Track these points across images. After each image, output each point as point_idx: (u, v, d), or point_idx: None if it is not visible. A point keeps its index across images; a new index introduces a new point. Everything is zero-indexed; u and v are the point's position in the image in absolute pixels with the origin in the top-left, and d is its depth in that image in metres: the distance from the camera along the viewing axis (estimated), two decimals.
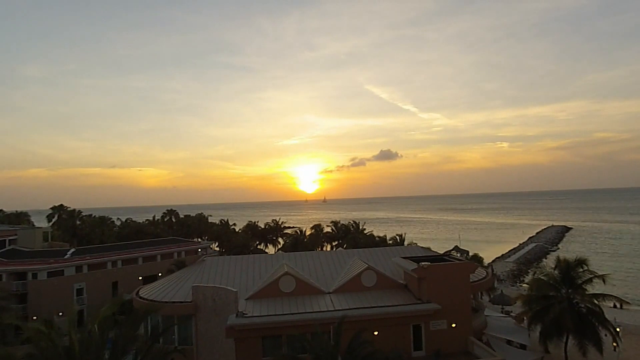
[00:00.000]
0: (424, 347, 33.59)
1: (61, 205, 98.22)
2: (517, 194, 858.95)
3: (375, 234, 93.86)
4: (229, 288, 35.15)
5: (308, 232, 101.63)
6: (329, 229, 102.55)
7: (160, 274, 61.09)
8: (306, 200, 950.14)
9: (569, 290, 34.70)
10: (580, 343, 32.02)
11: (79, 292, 58.53)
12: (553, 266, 36.58)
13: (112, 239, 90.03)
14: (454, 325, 33.94)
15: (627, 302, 43.84)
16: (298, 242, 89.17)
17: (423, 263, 34.85)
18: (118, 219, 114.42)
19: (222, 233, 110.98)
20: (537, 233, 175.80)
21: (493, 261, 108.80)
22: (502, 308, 54.84)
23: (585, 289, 34.50)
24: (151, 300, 35.66)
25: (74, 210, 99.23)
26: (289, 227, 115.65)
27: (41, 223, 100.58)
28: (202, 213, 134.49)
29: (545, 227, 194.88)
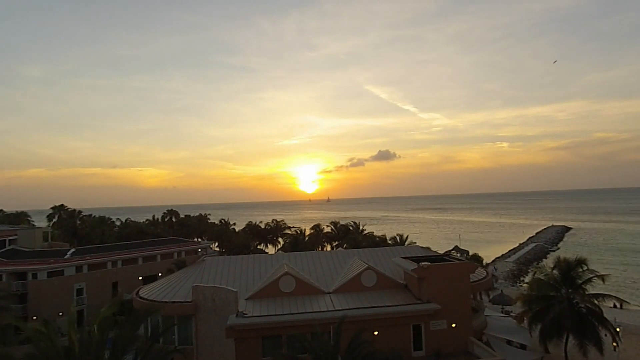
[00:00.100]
0: (424, 347, 33.59)
1: (61, 205, 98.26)
2: (517, 194, 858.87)
3: (376, 234, 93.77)
4: (229, 288, 35.15)
5: (308, 232, 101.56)
6: (329, 229, 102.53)
7: (160, 274, 61.06)
8: (309, 200, 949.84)
9: (569, 290, 34.67)
10: (580, 343, 32.00)
11: (79, 292, 58.46)
12: (553, 266, 36.50)
13: (112, 239, 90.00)
14: (454, 325, 33.94)
15: (627, 302, 43.83)
16: (298, 242, 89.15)
17: (423, 263, 34.85)
18: (118, 219, 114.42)
19: (222, 233, 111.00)
20: (537, 233, 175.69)
21: (493, 261, 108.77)
22: (502, 308, 54.82)
23: (585, 289, 34.49)
24: (151, 300, 35.65)
25: (74, 210, 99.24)
26: (290, 227, 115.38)
27: (41, 223, 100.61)
28: (202, 213, 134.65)
29: (545, 227, 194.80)
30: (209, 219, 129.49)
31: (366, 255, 45.17)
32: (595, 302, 33.76)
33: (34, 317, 50.18)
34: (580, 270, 34.89)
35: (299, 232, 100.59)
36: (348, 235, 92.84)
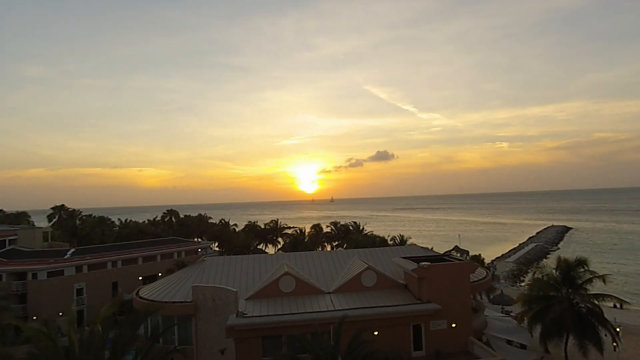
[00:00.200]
0: (424, 347, 33.59)
1: (61, 205, 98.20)
2: (516, 194, 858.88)
3: (382, 234, 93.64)
4: (229, 288, 35.17)
5: (308, 232, 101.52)
6: (328, 229, 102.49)
7: (160, 274, 61.06)
8: (312, 200, 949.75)
9: (569, 290, 34.68)
10: (580, 343, 32.00)
11: (79, 292, 58.47)
12: (553, 266, 36.50)
13: (112, 239, 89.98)
14: (454, 325, 33.94)
15: (627, 302, 43.82)
16: (298, 242, 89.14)
17: (423, 263, 34.84)
18: (118, 219, 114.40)
19: (222, 233, 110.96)
20: (537, 233, 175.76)
21: (493, 261, 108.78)
22: (502, 308, 54.82)
23: (586, 289, 34.49)
24: (151, 300, 35.67)
25: (74, 210, 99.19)
26: (290, 227, 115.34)
27: (41, 223, 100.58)
28: (202, 213, 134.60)
29: (545, 227, 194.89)
30: (209, 218, 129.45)
31: (366, 255, 45.17)
32: (596, 302, 33.78)
33: (34, 317, 50.19)
34: (581, 270, 34.89)
35: (299, 232, 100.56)
36: (348, 235, 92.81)
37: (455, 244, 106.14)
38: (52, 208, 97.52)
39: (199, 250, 78.58)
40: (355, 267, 40.71)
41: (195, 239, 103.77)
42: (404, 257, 40.00)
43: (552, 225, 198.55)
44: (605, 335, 33.87)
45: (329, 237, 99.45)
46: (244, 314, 32.53)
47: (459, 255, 77.70)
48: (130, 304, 39.76)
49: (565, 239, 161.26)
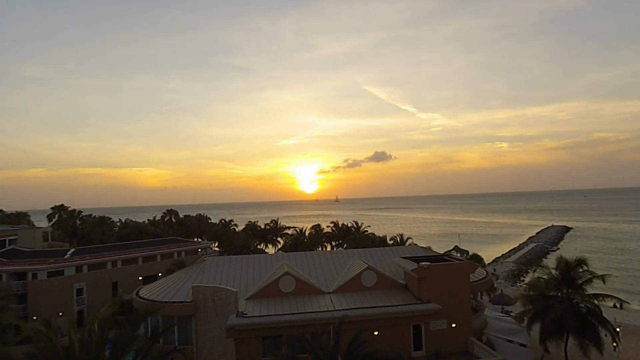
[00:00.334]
0: (424, 347, 33.59)
1: (61, 205, 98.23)
2: (516, 194, 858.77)
3: (377, 234, 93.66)
4: (229, 288, 35.16)
5: (308, 232, 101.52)
6: (329, 229, 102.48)
7: (160, 274, 61.04)
8: (316, 200, 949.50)
9: (569, 290, 34.67)
10: (580, 343, 32.00)
11: (79, 292, 58.44)
12: (553, 266, 36.49)
13: (112, 239, 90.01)
14: (454, 325, 33.94)
15: (627, 302, 43.84)
16: (298, 242, 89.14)
17: (423, 263, 34.85)
18: (118, 219, 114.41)
19: (222, 233, 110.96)
20: (537, 233, 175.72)
21: (493, 261, 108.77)
22: (502, 308, 54.83)
23: (585, 289, 34.48)
24: (151, 300, 35.67)
25: (74, 210, 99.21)
26: (289, 227, 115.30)
27: (41, 223, 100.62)
28: (202, 213, 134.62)
29: (545, 227, 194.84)
30: (209, 219, 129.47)
31: (366, 255, 45.17)
32: (595, 302, 33.77)
33: (34, 317, 50.17)
34: (580, 270, 34.89)
35: (299, 232, 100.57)
36: (348, 235, 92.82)
37: (455, 244, 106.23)
38: (52, 208, 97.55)
39: (199, 250, 78.53)
40: (355, 267, 40.71)
41: (195, 239, 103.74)
42: (404, 257, 40.01)
43: (552, 225, 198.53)
44: (605, 335, 33.87)
45: (329, 237, 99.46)
46: (244, 314, 32.53)
47: (459, 255, 77.73)
48: (130, 304, 39.75)
49: (565, 239, 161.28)
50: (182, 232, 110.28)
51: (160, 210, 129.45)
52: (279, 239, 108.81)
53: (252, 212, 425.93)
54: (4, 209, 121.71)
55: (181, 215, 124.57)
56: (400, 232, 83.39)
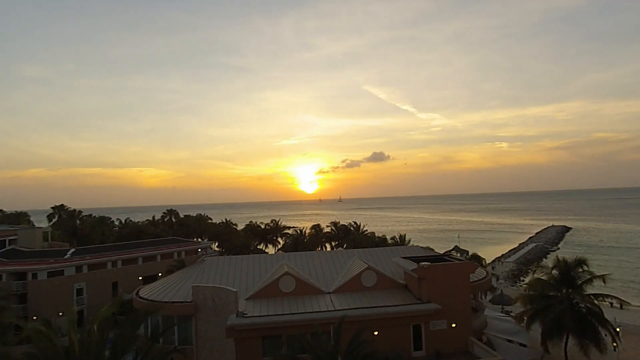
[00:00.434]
0: (424, 347, 33.58)
1: (61, 205, 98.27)
2: (516, 194, 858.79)
3: (381, 233, 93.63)
4: (229, 288, 35.14)
5: (308, 232, 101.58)
6: (328, 229, 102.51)
7: (160, 274, 61.04)
8: (320, 200, 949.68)
9: (569, 290, 34.67)
10: (580, 343, 32.02)
11: (79, 292, 58.45)
12: (553, 266, 36.47)
13: (112, 239, 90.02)
14: (454, 325, 33.93)
15: (627, 302, 43.84)
16: (298, 242, 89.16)
17: (423, 263, 34.84)
18: (118, 219, 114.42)
19: (222, 233, 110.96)
20: (537, 233, 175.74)
21: (493, 261, 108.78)
22: (502, 308, 54.83)
23: (585, 289, 34.48)
24: (151, 300, 35.65)
25: (74, 210, 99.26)
26: (289, 227, 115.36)
27: (41, 223, 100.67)
28: (202, 213, 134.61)
29: (545, 227, 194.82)
30: (210, 219, 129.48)
31: (366, 255, 45.16)
32: (595, 302, 33.78)
33: (34, 317, 50.16)
34: (580, 270, 34.89)
35: (299, 232, 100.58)
36: (348, 235, 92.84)
37: (455, 244, 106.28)
38: (52, 208, 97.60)
39: (199, 250, 78.56)
40: (355, 267, 40.70)
41: (195, 239, 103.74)
42: (404, 257, 39.98)
43: (552, 226, 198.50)
44: (605, 335, 33.88)
45: (329, 237, 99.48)
46: (244, 314, 32.53)
47: (459, 255, 77.77)
48: (130, 304, 39.74)
49: (565, 239, 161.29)
50: (182, 232, 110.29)
51: (160, 210, 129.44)
52: (279, 239, 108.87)
53: (253, 212, 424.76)
54: (4, 209, 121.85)
55: (181, 215, 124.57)
56: (405, 232, 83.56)
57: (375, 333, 31.38)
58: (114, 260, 63.70)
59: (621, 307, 49.36)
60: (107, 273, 62.25)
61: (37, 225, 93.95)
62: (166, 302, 35.47)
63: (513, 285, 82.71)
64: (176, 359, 31.00)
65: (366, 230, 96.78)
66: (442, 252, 62.77)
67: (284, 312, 33.30)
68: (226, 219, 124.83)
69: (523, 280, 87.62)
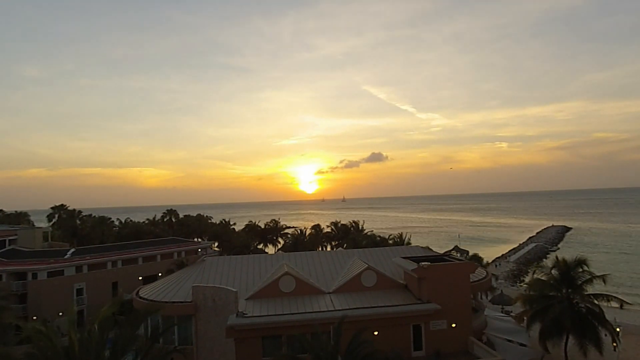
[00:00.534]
0: (424, 347, 33.59)
1: (61, 205, 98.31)
2: (516, 194, 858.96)
3: (385, 233, 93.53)
4: (229, 288, 35.15)
5: (308, 232, 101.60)
6: (329, 229, 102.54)
7: (160, 274, 61.09)
8: (323, 200, 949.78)
9: (569, 290, 34.68)
10: (580, 343, 32.02)
11: (79, 292, 58.51)
12: (552, 266, 36.48)
13: (112, 239, 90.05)
14: (454, 325, 33.93)
15: (627, 302, 43.82)
16: (298, 242, 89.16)
17: (423, 263, 34.84)
18: (118, 219, 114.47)
19: (222, 233, 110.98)
20: (537, 233, 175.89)
21: (493, 261, 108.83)
22: (502, 308, 54.86)
23: (585, 289, 34.49)
24: (151, 300, 35.64)
25: (74, 210, 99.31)
26: (289, 227, 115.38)
27: (41, 223, 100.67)
28: (202, 213, 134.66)
29: (545, 227, 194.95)
30: (209, 219, 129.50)
31: (366, 255, 45.15)
32: (596, 302, 33.78)
33: (34, 317, 50.20)
34: (580, 270, 34.90)
35: (299, 232, 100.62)
36: (348, 235, 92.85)
37: (455, 244, 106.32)
38: (52, 208, 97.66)
39: (199, 250, 78.63)
40: (355, 267, 40.70)
41: (195, 239, 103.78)
42: (404, 257, 39.98)
43: (552, 225, 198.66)
44: (605, 335, 33.88)
45: (329, 237, 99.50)
46: (244, 314, 32.54)
47: (459, 255, 77.78)
48: (130, 304, 39.74)
49: (565, 239, 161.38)
50: (182, 232, 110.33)
51: (160, 210, 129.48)
52: (279, 239, 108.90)
53: (257, 211, 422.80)
54: (4, 209, 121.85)
55: (181, 215, 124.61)
56: (408, 231, 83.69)
57: (375, 333, 31.37)
58: (114, 260, 63.75)
59: (621, 307, 49.37)
60: (107, 273, 62.30)
61: (37, 225, 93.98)
62: (166, 302, 35.45)
63: (513, 285, 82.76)
64: (176, 359, 31.02)
65: (366, 230, 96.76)
66: (442, 252, 62.81)
67: (284, 312, 33.29)
68: (225, 220, 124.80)
69: (523, 280, 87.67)
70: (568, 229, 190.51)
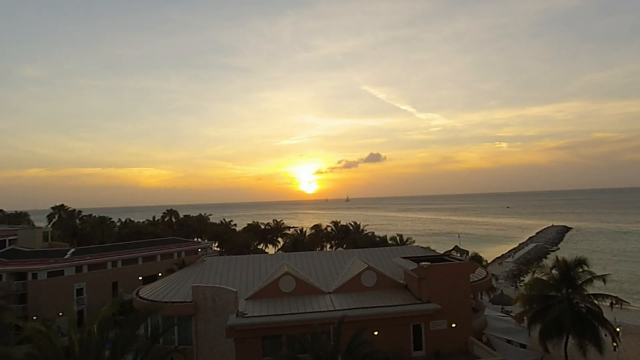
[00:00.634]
0: (424, 347, 33.58)
1: (61, 205, 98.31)
2: (516, 194, 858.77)
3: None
4: (229, 288, 35.15)
5: (308, 232, 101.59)
6: (329, 229, 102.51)
7: (160, 274, 61.06)
8: (326, 200, 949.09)
9: (569, 290, 34.68)
10: (580, 343, 32.01)
11: (79, 292, 58.48)
12: (552, 266, 36.47)
13: (112, 239, 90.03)
14: (454, 325, 33.93)
15: (627, 302, 43.80)
16: (298, 242, 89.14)
17: (423, 263, 34.84)
18: (118, 219, 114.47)
19: (222, 233, 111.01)
20: (537, 233, 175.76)
21: (493, 261, 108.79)
22: (502, 308, 54.85)
23: (585, 289, 34.49)
24: (151, 300, 35.62)
25: (74, 210, 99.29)
26: (289, 227, 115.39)
27: (41, 223, 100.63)
28: (202, 213, 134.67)
29: (545, 227, 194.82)
30: (209, 219, 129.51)
31: (366, 255, 45.13)
32: (596, 302, 33.77)
33: (34, 317, 50.20)
34: (580, 270, 34.89)
35: (299, 232, 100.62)
36: (348, 235, 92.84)
37: (455, 244, 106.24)
38: (52, 208, 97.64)
39: (199, 250, 78.59)
40: (355, 267, 40.69)
41: (195, 239, 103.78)
42: (404, 257, 39.99)
43: (552, 225, 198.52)
44: (605, 335, 33.88)
45: (329, 237, 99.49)
46: (244, 314, 32.53)
47: (459, 255, 77.73)
48: (130, 304, 39.72)
49: (565, 239, 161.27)
50: (182, 232, 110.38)
51: (160, 210, 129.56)
52: (279, 239, 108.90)
53: (258, 211, 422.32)
54: (4, 209, 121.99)
55: (181, 215, 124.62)
56: (412, 231, 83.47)
57: (375, 333, 31.37)
58: (114, 260, 63.72)
59: (621, 307, 49.31)
60: (107, 273, 62.27)
61: (37, 225, 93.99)
62: (166, 302, 35.44)
63: (513, 285, 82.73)
64: (176, 359, 31.04)
65: (364, 230, 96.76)
66: (442, 252, 62.79)
67: (284, 312, 33.28)
68: (225, 219, 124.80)
69: (523, 280, 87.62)
70: (568, 228, 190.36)
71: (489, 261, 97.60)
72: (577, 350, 32.34)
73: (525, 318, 36.27)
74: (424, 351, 33.51)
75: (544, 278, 36.25)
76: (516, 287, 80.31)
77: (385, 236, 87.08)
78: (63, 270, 57.60)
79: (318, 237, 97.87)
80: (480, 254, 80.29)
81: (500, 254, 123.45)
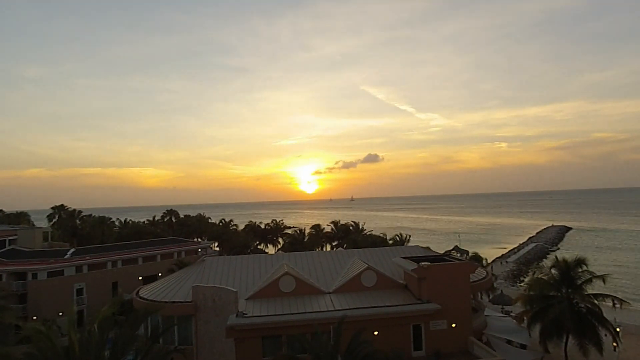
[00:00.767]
0: (424, 347, 33.58)
1: (61, 205, 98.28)
2: (516, 194, 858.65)
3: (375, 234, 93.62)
4: (229, 288, 35.14)
5: (308, 232, 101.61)
6: (329, 229, 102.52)
7: (160, 274, 61.04)
8: (330, 199, 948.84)
9: (569, 290, 34.67)
10: (580, 343, 32.01)
11: (79, 292, 58.48)
12: (552, 266, 36.46)
13: (112, 239, 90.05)
14: (454, 325, 33.92)
15: (627, 302, 43.76)
16: (298, 242, 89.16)
17: (423, 263, 34.83)
18: (118, 219, 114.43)
19: (222, 233, 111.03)
20: (537, 233, 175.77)
21: (493, 261, 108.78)
22: (502, 308, 54.82)
23: (585, 289, 34.48)
24: (151, 300, 35.61)
25: (74, 210, 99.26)
26: (289, 227, 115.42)
27: (41, 223, 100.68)
28: (202, 213, 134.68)
29: (545, 227, 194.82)
30: (209, 219, 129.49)
31: (366, 255, 45.12)
32: (595, 302, 33.77)
33: (34, 317, 50.19)
34: (580, 270, 34.89)
35: (299, 232, 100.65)
36: (348, 235, 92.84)
37: (455, 244, 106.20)
38: (52, 208, 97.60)
39: (199, 250, 78.58)
40: (355, 267, 40.68)
41: (195, 239, 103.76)
42: (404, 257, 39.98)
43: (552, 225, 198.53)
44: (605, 335, 33.87)
45: (329, 237, 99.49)
46: (244, 314, 32.52)
47: (459, 255, 77.72)
48: (130, 304, 39.71)
49: (565, 239, 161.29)
50: (182, 232, 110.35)
51: (160, 210, 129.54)
52: (279, 239, 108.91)
53: (262, 211, 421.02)
54: (4, 209, 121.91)
55: (181, 215, 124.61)
56: (413, 230, 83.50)
57: (375, 333, 31.38)
58: (114, 260, 63.71)
59: (621, 307, 49.30)
60: (107, 273, 62.26)
61: (37, 225, 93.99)
62: (166, 302, 35.41)
63: (513, 285, 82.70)
64: (176, 359, 31.00)
65: (364, 230, 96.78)
66: (442, 252, 62.76)
67: (284, 312, 33.28)
68: (225, 219, 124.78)
69: (523, 280, 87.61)
70: (568, 229, 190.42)
71: (489, 261, 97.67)
72: (577, 350, 32.35)
73: (525, 318, 36.23)
74: (424, 351, 33.50)
75: (544, 278, 36.26)
76: (516, 287, 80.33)
77: (385, 236, 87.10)
78: (63, 270, 57.59)
79: (318, 237, 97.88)
80: (480, 254, 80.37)
81: (500, 254, 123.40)
